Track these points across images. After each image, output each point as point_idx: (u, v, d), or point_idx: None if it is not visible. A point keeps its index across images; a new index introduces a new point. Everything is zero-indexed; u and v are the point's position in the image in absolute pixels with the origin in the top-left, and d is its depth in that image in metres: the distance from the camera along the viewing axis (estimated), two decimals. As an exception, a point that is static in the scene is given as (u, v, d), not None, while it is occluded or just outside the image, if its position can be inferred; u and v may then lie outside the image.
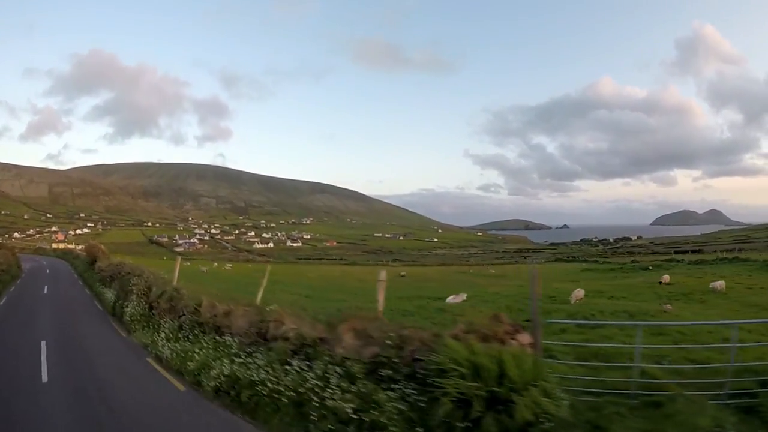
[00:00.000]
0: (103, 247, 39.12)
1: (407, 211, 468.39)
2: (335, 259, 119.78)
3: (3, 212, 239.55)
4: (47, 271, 48.13)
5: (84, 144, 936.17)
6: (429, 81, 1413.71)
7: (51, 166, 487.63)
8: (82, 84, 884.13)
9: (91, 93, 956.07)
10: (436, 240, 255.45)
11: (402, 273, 53.61)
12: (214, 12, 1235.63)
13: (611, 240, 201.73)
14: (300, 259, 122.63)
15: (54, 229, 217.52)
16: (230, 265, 63.32)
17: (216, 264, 72.76)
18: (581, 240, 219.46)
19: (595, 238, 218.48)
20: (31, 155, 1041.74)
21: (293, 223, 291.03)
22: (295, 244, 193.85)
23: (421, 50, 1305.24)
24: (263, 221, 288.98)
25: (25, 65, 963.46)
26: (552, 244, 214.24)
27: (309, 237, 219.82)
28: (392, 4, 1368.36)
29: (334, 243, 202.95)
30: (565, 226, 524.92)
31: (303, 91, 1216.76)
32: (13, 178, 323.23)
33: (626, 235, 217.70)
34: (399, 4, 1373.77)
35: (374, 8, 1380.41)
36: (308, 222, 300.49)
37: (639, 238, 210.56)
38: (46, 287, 31.66)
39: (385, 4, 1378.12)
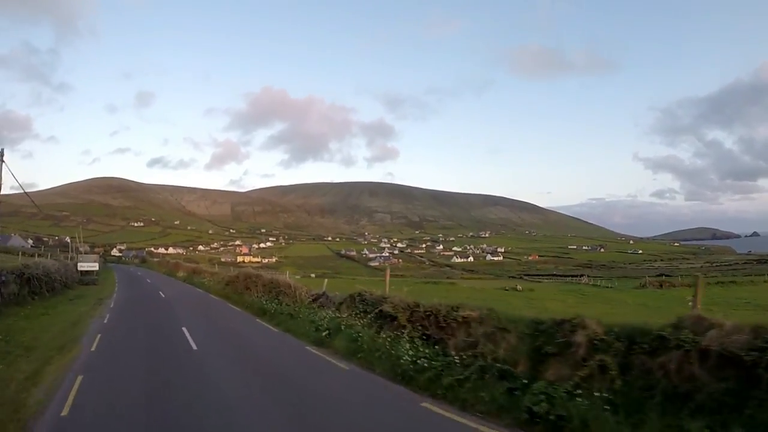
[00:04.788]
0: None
1: (583, 221, 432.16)
2: (575, 276, 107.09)
3: (189, 227, 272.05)
4: None
5: (262, 170, 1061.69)
6: (590, 83, 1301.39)
7: (233, 189, 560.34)
8: (257, 118, 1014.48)
9: (266, 125, 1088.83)
10: (641, 252, 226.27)
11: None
12: (372, 41, 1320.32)
13: None
14: (557, 275, 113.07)
15: (238, 242, 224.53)
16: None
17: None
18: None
19: None
20: (216, 181, 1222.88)
21: (471, 236, 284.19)
22: (495, 258, 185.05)
23: (580, 51, 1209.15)
24: (440, 235, 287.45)
25: (206, 106, 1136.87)
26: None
27: (503, 250, 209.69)
28: (544, 6, 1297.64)
29: (536, 256, 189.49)
30: (755, 234, 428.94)
31: (465, 106, 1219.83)
32: (199, 200, 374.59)
33: None
34: (551, 6, 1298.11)
35: (524, 15, 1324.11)
36: (486, 235, 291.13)
37: None
38: None
39: (536, 8, 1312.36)
